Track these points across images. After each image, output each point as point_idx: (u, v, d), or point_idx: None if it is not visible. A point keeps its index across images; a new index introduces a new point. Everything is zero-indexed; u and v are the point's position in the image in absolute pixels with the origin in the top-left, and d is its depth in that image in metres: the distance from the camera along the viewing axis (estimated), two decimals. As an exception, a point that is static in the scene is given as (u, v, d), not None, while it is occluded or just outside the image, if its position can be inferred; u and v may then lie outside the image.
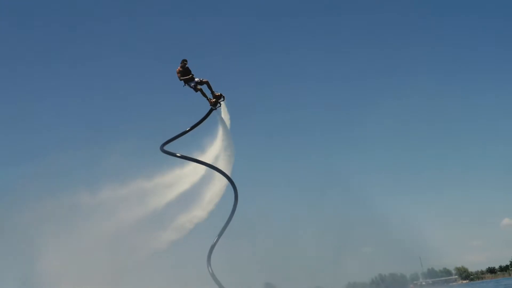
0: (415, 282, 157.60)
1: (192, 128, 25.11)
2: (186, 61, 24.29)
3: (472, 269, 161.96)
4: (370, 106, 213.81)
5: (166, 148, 24.17)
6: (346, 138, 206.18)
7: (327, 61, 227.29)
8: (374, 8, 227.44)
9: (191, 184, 26.34)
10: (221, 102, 25.38)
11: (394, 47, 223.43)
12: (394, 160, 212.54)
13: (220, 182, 25.43)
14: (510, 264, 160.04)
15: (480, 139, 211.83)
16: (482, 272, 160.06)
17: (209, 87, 25.14)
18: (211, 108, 25.18)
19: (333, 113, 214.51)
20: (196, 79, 24.49)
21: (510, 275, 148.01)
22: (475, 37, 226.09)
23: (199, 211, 25.97)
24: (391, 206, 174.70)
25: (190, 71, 24.54)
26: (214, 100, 25.18)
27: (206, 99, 25.08)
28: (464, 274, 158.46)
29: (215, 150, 25.80)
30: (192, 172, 26.08)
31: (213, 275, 22.72)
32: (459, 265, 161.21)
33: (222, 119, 25.55)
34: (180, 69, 24.43)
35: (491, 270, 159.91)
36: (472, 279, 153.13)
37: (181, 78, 24.35)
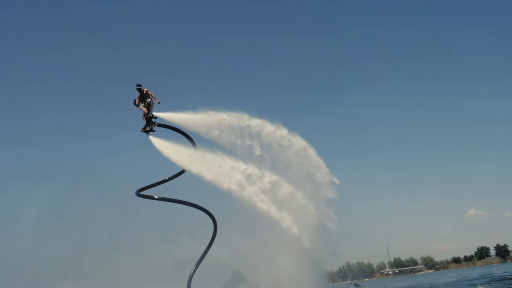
0: (381, 271, 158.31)
1: (172, 177, 23.79)
2: (140, 85, 22.68)
3: (438, 258, 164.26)
4: (343, 92, 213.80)
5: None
6: (321, 121, 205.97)
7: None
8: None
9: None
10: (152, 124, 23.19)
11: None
12: (363, 147, 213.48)
13: None
14: (475, 254, 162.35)
15: (450, 130, 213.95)
16: (447, 262, 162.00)
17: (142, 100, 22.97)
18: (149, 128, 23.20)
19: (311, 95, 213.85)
20: (148, 100, 22.78)
21: (474, 265, 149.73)
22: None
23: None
24: (360, 195, 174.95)
25: (146, 94, 22.70)
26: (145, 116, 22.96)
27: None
28: (430, 263, 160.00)
29: None
30: None
31: None
32: (425, 255, 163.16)
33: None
34: (139, 96, 22.74)
35: (456, 260, 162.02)
36: (437, 269, 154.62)
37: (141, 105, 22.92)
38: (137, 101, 22.72)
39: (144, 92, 22.64)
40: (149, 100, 22.65)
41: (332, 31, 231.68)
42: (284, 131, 25.59)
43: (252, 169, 24.18)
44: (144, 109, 22.72)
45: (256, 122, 24.88)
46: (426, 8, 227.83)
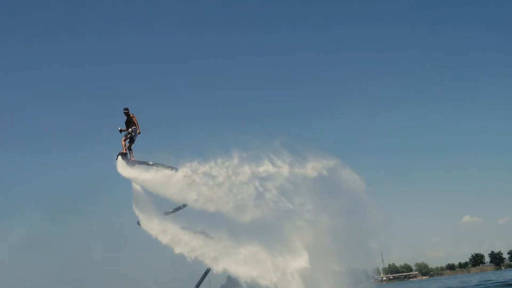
0: (375, 277, 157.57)
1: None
2: (128, 109, 21.23)
3: (432, 265, 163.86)
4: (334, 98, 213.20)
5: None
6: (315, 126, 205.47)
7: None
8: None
9: None
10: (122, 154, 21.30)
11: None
12: (357, 153, 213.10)
13: None
14: (469, 261, 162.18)
15: (445, 137, 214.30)
16: (441, 269, 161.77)
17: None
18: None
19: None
20: (129, 129, 21.19)
21: (469, 271, 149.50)
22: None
23: None
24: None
25: (131, 120, 21.14)
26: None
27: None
28: (424, 270, 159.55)
29: None
30: None
31: None
32: (420, 261, 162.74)
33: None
34: (126, 121, 21.21)
35: (451, 267, 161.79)
36: (432, 275, 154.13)
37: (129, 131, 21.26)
38: (124, 127, 21.17)
39: (130, 116, 21.12)
40: (130, 130, 20.99)
41: (326, 35, 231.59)
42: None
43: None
44: (124, 143, 21.08)
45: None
46: (424, 10, 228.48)
